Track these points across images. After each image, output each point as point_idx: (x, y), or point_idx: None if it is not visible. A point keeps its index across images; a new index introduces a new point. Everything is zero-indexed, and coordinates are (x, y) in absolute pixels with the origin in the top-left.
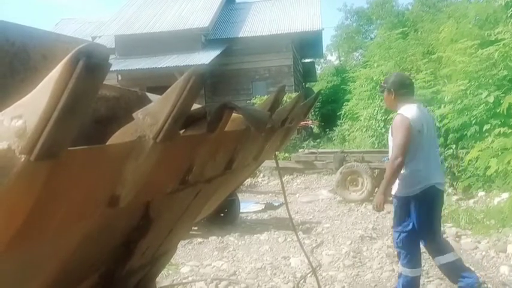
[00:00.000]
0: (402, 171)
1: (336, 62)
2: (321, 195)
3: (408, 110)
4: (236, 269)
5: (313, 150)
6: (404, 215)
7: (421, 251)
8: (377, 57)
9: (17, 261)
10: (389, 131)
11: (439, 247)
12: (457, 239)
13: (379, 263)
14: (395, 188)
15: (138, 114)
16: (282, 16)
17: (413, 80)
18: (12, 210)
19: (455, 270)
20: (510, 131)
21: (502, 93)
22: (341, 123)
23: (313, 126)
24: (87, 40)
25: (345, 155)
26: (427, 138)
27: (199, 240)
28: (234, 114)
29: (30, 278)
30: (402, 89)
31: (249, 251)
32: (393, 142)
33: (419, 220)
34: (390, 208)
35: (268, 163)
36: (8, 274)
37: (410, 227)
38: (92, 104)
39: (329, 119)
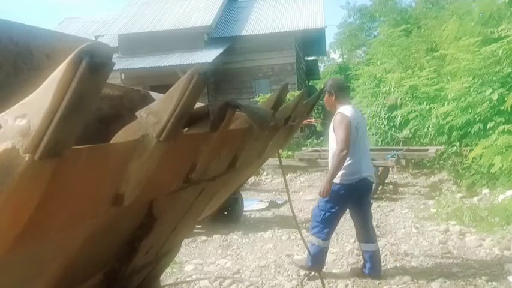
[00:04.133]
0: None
1: (339, 60)
2: None
3: (346, 110)
4: (240, 267)
5: (317, 148)
6: (335, 198)
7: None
8: (380, 54)
9: (22, 260)
10: (331, 128)
11: (368, 235)
12: (461, 236)
13: (383, 261)
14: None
15: (141, 113)
16: (284, 14)
17: (349, 84)
18: (16, 209)
19: (373, 258)
20: None
21: (506, 91)
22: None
23: (316, 124)
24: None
25: None
26: (361, 135)
27: (203, 238)
28: (237, 113)
29: (35, 276)
30: (341, 91)
31: (252, 249)
32: (336, 137)
33: (349, 205)
34: (393, 206)
35: (272, 161)
36: (13, 272)
37: (335, 209)
38: (95, 103)
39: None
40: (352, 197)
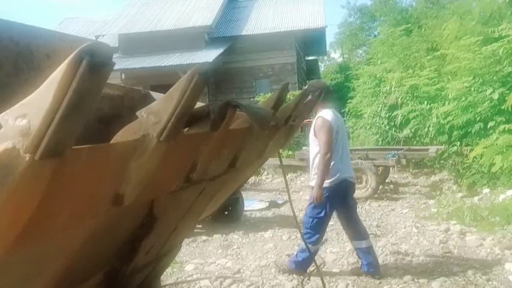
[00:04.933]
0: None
1: (340, 60)
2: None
3: (327, 114)
4: (240, 266)
5: None
6: (320, 203)
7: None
8: (380, 54)
9: (23, 260)
10: (311, 131)
11: (358, 232)
12: (461, 236)
13: (383, 260)
14: (314, 181)
15: (141, 113)
16: (285, 14)
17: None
18: (17, 209)
19: (367, 254)
20: None
21: (506, 90)
22: (345, 120)
23: None
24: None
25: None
26: (341, 138)
27: (204, 238)
28: (238, 112)
29: (36, 276)
30: (325, 94)
31: (253, 248)
32: (319, 141)
33: (334, 207)
34: (394, 205)
35: (272, 161)
36: (14, 272)
37: (322, 214)
38: (96, 103)
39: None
40: (336, 199)
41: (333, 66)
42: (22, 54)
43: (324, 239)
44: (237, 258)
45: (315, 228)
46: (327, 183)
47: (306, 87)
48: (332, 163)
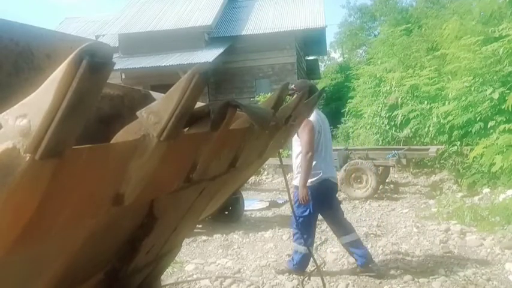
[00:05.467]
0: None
1: (340, 59)
2: None
3: None
4: (241, 266)
5: None
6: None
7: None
8: (381, 54)
9: (23, 260)
10: None
11: (344, 228)
12: (461, 235)
13: (384, 260)
14: (297, 180)
15: (142, 113)
16: (285, 13)
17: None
18: (17, 209)
19: (356, 246)
20: None
21: (506, 90)
22: (345, 120)
23: None
24: (90, 39)
25: (349, 152)
26: (324, 139)
27: (204, 238)
28: (238, 112)
29: (36, 276)
30: (309, 94)
31: (253, 248)
32: (301, 141)
33: (318, 206)
34: (394, 205)
35: (272, 161)
36: (14, 272)
37: (307, 212)
38: (96, 103)
39: (333, 117)
40: (319, 198)
41: (333, 66)
42: (22, 54)
43: (324, 239)
44: (237, 258)
45: (302, 228)
46: (309, 182)
47: (292, 86)
48: (314, 163)
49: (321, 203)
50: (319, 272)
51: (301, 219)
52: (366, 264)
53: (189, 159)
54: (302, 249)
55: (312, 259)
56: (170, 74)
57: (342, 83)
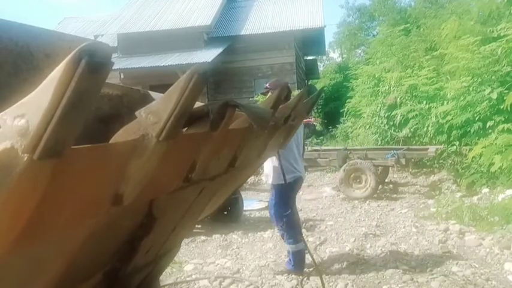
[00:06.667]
0: (277, 165)
1: (339, 59)
2: (324, 192)
3: None
4: (240, 266)
5: (316, 147)
6: (282, 201)
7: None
8: (379, 54)
9: (22, 260)
10: None
11: (296, 233)
12: (460, 235)
13: (383, 260)
14: (272, 178)
15: (141, 113)
16: (283, 13)
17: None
18: (16, 210)
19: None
20: None
21: (505, 90)
22: (344, 120)
23: (316, 123)
24: (89, 39)
25: (348, 152)
26: (296, 138)
27: (203, 238)
28: (237, 112)
29: (35, 276)
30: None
31: (252, 248)
32: None
33: (293, 202)
34: (393, 205)
35: None
36: (14, 272)
37: (289, 211)
38: (95, 103)
39: (332, 116)
40: (292, 194)
41: (332, 66)
42: (21, 54)
43: (323, 239)
44: (236, 258)
45: (288, 227)
46: (286, 179)
47: (266, 85)
48: (288, 163)
49: (294, 198)
50: (318, 272)
51: (284, 219)
52: (294, 269)
53: (188, 159)
54: (293, 247)
55: (310, 258)
56: (169, 74)
57: (341, 82)
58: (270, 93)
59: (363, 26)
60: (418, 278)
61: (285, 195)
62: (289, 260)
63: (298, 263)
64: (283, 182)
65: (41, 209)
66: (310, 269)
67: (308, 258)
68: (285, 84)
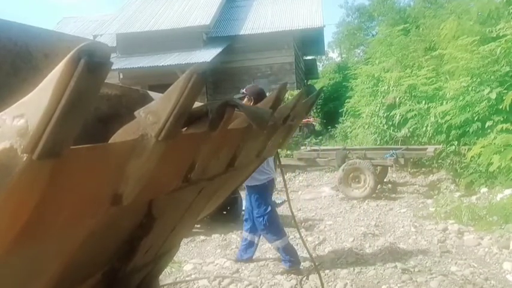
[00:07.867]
0: None
1: (338, 59)
2: (323, 192)
3: None
4: (239, 266)
5: (316, 147)
6: (260, 201)
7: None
8: (378, 54)
9: (21, 260)
10: None
11: (279, 230)
12: (459, 235)
13: (382, 260)
14: (248, 180)
15: (140, 113)
16: (283, 13)
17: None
18: (15, 210)
19: (286, 251)
20: None
21: (504, 90)
22: (343, 120)
23: (315, 123)
24: (88, 39)
25: (347, 152)
26: None
27: (202, 238)
28: (236, 112)
29: (34, 276)
30: (259, 98)
31: None
32: None
33: (270, 201)
34: (392, 205)
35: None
36: (13, 273)
37: (269, 208)
38: (94, 103)
39: (331, 116)
40: (268, 194)
41: (331, 65)
42: (20, 54)
43: (322, 238)
44: (235, 257)
45: (270, 226)
46: (261, 180)
47: (243, 90)
48: (263, 164)
49: (270, 198)
50: (317, 272)
51: (266, 216)
52: (292, 265)
53: (188, 159)
54: (278, 243)
55: (310, 258)
56: (168, 74)
57: (340, 82)
58: (246, 99)
59: (362, 26)
60: (417, 278)
61: (263, 195)
62: (283, 259)
63: (292, 257)
64: (258, 183)
65: (40, 209)
66: (310, 269)
67: (307, 258)
68: (261, 89)
